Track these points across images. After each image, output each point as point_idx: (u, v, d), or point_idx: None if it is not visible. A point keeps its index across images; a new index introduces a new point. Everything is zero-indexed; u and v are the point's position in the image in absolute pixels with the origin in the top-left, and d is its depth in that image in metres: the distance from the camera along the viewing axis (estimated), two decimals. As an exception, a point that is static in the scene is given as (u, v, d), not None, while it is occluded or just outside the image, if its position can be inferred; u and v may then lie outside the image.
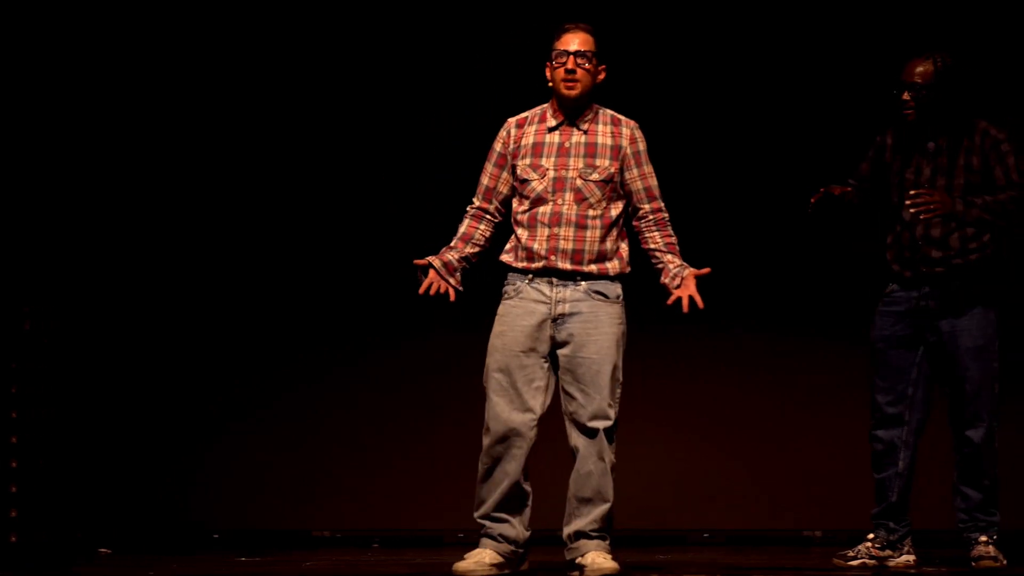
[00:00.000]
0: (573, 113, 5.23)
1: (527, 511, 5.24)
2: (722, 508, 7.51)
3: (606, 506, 5.15)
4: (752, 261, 7.45)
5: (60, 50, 7.51)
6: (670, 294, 5.19)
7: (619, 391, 5.19)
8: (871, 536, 5.60)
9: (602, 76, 5.25)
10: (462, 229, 5.36)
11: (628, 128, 5.27)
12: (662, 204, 5.28)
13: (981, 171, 5.48)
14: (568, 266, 5.17)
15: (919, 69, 5.46)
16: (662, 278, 5.26)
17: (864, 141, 5.80)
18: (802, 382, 7.54)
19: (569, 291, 5.18)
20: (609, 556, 5.12)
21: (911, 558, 5.59)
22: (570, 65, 5.17)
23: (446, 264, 5.27)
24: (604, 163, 5.21)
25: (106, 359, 7.67)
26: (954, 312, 5.49)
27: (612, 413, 5.15)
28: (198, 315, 7.76)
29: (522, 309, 5.20)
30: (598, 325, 5.16)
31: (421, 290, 5.24)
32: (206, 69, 7.75)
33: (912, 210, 5.37)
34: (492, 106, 5.90)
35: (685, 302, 5.14)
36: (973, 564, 5.47)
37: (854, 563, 5.55)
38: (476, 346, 7.08)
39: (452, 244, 5.34)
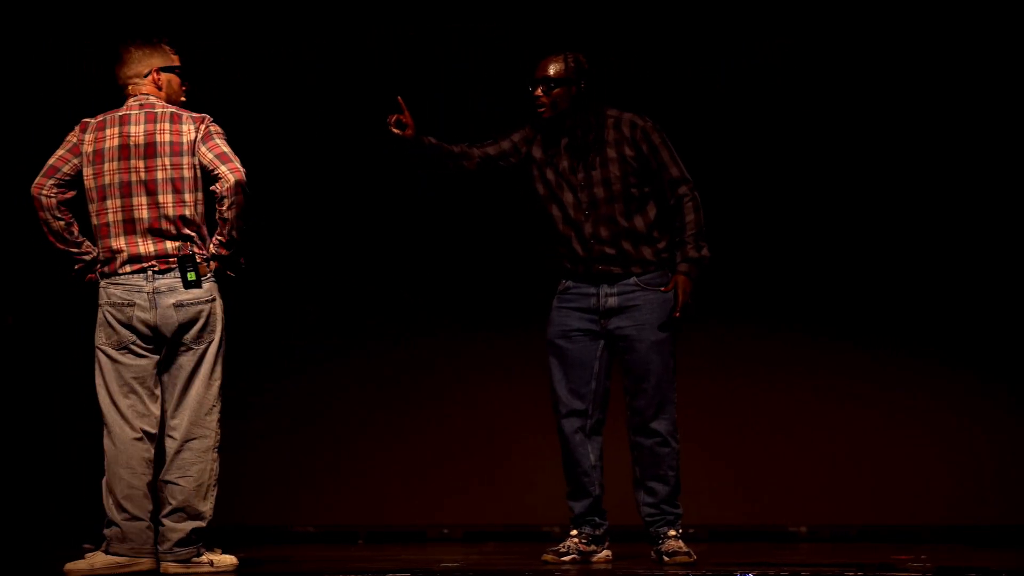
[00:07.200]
0: None
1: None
2: (705, 503, 7.49)
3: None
4: (739, 256, 7.44)
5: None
6: None
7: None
8: (575, 532, 5.57)
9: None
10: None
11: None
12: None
13: (636, 159, 5.45)
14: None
15: (552, 67, 5.44)
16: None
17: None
18: (791, 377, 7.55)
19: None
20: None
21: (609, 553, 5.59)
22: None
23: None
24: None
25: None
26: (634, 307, 5.48)
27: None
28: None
29: None
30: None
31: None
32: (197, 72, 7.72)
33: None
34: (489, 105, 5.89)
35: None
36: (667, 559, 5.44)
37: (566, 559, 5.51)
38: (461, 343, 7.06)
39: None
